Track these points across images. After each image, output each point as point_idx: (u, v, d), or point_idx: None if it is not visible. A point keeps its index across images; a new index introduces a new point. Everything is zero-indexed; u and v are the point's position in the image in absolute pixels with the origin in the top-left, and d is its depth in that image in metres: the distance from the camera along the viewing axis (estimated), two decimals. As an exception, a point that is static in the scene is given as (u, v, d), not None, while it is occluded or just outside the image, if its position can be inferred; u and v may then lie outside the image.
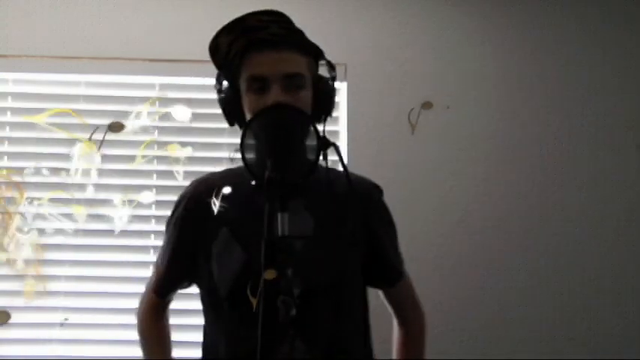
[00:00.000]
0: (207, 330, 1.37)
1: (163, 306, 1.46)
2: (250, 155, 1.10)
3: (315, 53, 1.30)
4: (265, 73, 1.22)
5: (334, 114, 1.38)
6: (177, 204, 1.40)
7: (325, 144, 1.10)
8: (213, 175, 1.42)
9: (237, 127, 1.30)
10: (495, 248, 2.42)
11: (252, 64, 1.24)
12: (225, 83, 1.31)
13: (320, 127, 1.13)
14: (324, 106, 1.29)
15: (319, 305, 1.21)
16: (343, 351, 1.28)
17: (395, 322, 1.51)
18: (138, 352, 1.46)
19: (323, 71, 1.33)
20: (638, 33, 2.55)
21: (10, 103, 2.43)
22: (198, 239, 1.33)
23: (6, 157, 2.42)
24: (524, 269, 2.42)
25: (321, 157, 1.10)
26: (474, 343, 2.37)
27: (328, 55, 1.31)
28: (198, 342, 1.39)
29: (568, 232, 2.45)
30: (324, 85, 1.30)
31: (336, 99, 1.35)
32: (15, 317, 2.33)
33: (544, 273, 2.42)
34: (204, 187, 1.35)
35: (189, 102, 2.43)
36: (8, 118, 2.42)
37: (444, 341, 2.33)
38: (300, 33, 1.27)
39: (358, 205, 1.25)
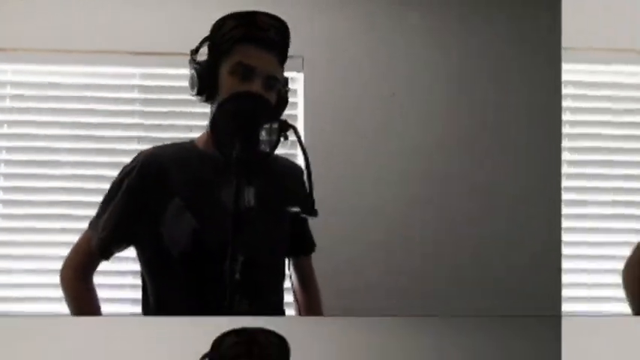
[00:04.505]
0: (152, 287, 1.51)
1: (96, 266, 1.54)
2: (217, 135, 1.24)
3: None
4: (256, 65, 1.40)
5: (291, 99, 1.58)
6: (130, 170, 1.50)
7: (286, 126, 1.25)
8: (162, 147, 1.57)
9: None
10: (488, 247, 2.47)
11: (247, 53, 1.41)
12: (206, 57, 1.46)
13: None
14: (280, 110, 1.50)
15: (261, 271, 1.35)
16: (278, 307, 1.60)
17: (296, 294, 1.70)
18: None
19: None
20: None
21: (8, 103, 2.48)
22: (149, 206, 1.47)
23: (4, 152, 2.48)
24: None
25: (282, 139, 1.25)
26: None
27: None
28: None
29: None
30: (284, 94, 1.51)
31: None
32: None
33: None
34: (155, 158, 1.50)
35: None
36: (8, 118, 2.48)
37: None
38: (287, 46, 1.47)
39: (301, 181, 1.37)
